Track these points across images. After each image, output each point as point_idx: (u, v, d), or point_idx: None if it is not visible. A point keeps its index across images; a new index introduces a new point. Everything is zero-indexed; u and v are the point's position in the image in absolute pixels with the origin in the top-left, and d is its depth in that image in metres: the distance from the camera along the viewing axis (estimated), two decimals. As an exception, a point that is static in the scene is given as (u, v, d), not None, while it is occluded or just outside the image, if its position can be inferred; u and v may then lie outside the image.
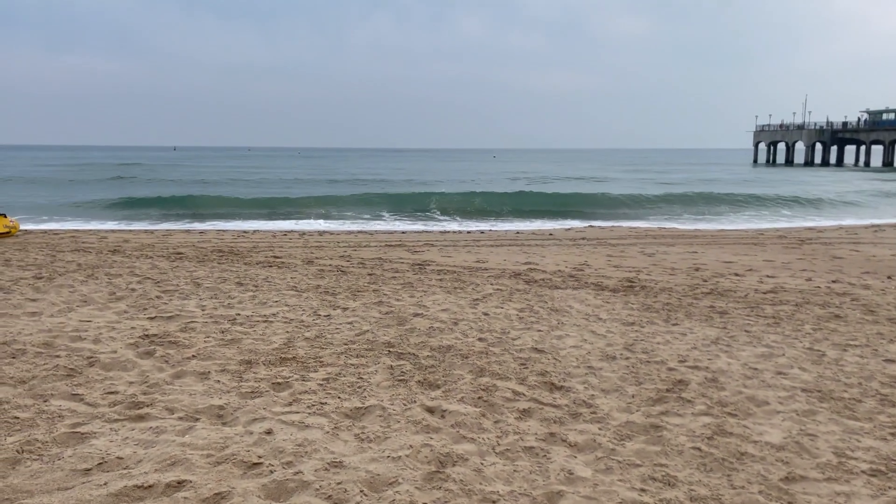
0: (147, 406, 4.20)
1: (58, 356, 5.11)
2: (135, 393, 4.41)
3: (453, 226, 18.50)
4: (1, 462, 3.40)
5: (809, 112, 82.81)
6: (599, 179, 45.98)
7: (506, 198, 24.73)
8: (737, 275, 9.69)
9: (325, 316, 6.68)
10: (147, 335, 5.76)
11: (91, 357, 5.09)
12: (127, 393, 4.41)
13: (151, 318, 6.41)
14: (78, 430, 3.81)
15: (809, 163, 76.07)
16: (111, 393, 4.41)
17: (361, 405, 4.30)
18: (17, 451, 3.51)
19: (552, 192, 27.99)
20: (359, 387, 4.64)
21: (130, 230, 15.83)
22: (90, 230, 15.60)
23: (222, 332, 5.98)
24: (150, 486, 3.17)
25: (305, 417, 4.08)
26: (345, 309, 7.01)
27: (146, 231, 15.53)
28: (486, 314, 6.88)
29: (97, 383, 4.59)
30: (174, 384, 4.63)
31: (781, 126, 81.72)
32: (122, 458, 3.46)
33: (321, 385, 4.65)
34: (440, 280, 8.90)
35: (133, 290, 7.78)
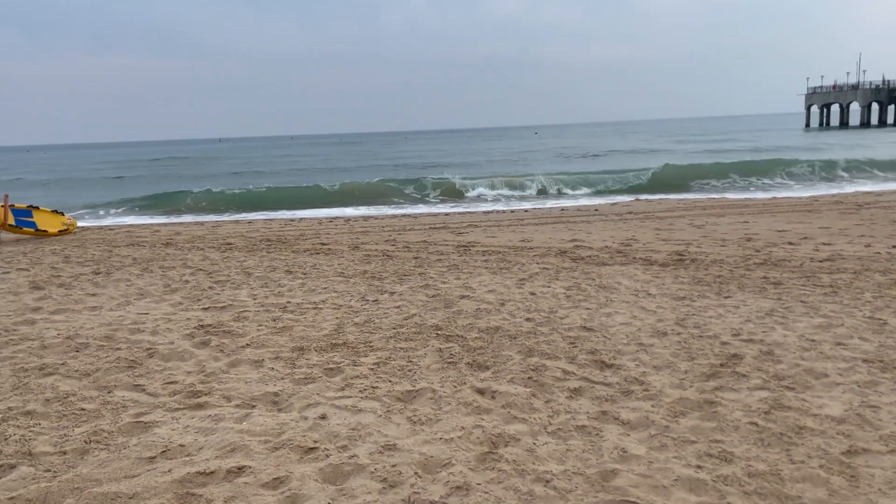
0: (205, 395, 4.32)
1: (119, 349, 5.29)
2: (193, 382, 4.54)
3: (498, 205, 18.43)
4: (70, 452, 3.55)
5: (864, 71, 79.76)
6: (655, 150, 45.12)
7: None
8: (791, 244, 9.43)
9: (372, 301, 6.75)
10: (202, 325, 5.91)
11: (150, 349, 5.26)
12: (185, 382, 4.55)
13: (205, 309, 6.58)
14: (141, 419, 3.95)
15: (865, 124, 73.35)
16: (171, 383, 4.55)
17: (412, 388, 4.34)
18: (85, 442, 3.66)
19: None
20: (409, 370, 4.69)
21: (181, 223, 16.21)
22: (143, 224, 16.03)
23: (274, 320, 6.10)
24: (211, 473, 3.27)
25: (358, 402, 4.15)
26: (392, 293, 7.07)
27: (196, 223, 15.88)
28: (532, 294, 6.85)
29: (157, 374, 4.74)
30: (230, 372, 4.75)
31: (835, 87, 78.88)
32: (183, 446, 3.57)
33: (372, 369, 4.71)
34: (485, 261, 8.89)
35: (187, 281, 7.99)
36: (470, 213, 16.52)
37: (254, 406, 4.14)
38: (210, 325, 5.94)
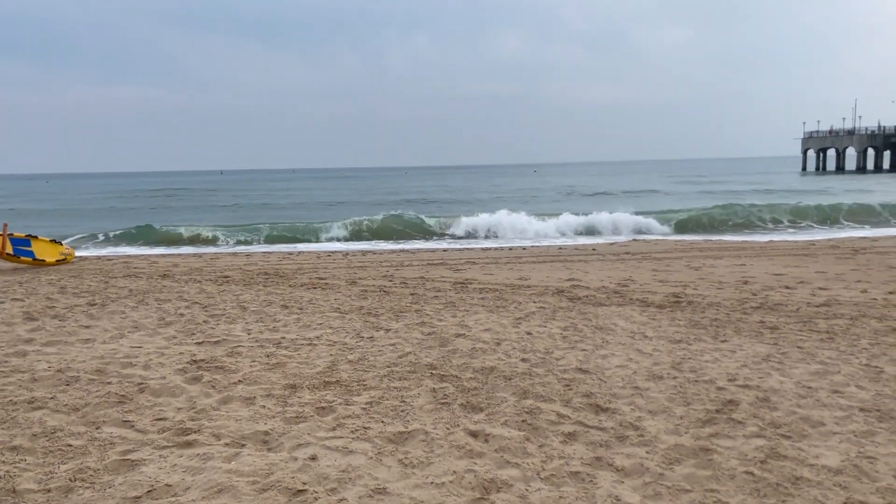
0: (195, 432, 4.26)
1: (110, 383, 5.24)
2: (183, 419, 4.49)
3: (496, 243, 18.46)
4: (55, 490, 3.49)
5: (860, 116, 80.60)
6: (664, 192, 45.38)
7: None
8: (787, 288, 9.42)
9: (367, 338, 6.71)
10: (195, 360, 5.86)
11: (141, 383, 5.20)
12: (175, 419, 4.49)
13: (199, 343, 6.53)
14: (128, 457, 3.89)
15: (861, 169, 74.01)
16: (160, 419, 4.49)
17: (405, 429, 4.29)
18: (70, 480, 3.60)
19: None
20: (402, 410, 4.64)
21: (179, 254, 16.21)
22: (141, 255, 16.03)
23: (268, 356, 6.05)
24: (197, 514, 3.21)
25: (349, 443, 4.09)
26: (387, 330, 7.03)
27: (195, 255, 15.87)
28: (529, 333, 6.82)
29: (147, 410, 4.69)
30: (221, 410, 4.69)
31: (831, 132, 79.76)
32: (170, 486, 3.51)
33: (364, 409, 4.66)
34: (482, 299, 8.87)
35: (182, 315, 7.95)
36: (468, 249, 16.54)
37: (243, 445, 4.08)
38: (203, 360, 5.89)
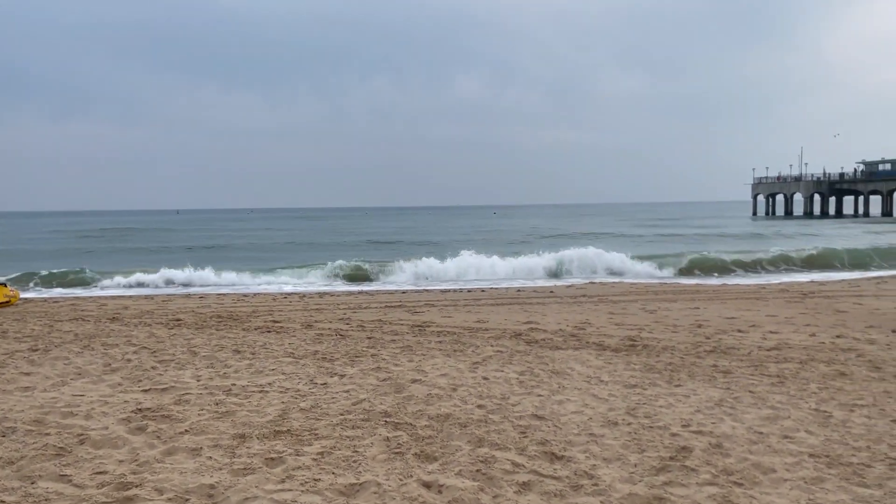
0: (136, 487, 4.08)
1: (48, 434, 5.01)
2: (124, 472, 4.30)
3: (455, 284, 18.45)
4: (-19, 552, 3.29)
5: (806, 164, 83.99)
6: (625, 235, 45.91)
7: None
8: (740, 331, 9.59)
9: (321, 384, 6.58)
10: (140, 409, 5.66)
11: (82, 434, 4.99)
12: (116, 473, 4.30)
13: (146, 391, 6.32)
14: (63, 514, 3.70)
15: (809, 213, 76.60)
16: (100, 473, 4.30)
17: (356, 481, 4.18)
18: (-1, 540, 3.40)
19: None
20: (354, 461, 4.53)
21: (130, 296, 15.80)
22: (90, 297, 15.58)
23: (217, 403, 5.88)
24: (133, 577, 3.05)
25: (298, 496, 3.97)
26: (342, 376, 6.91)
27: (146, 297, 15.49)
28: (485, 378, 6.78)
29: (86, 462, 4.49)
30: (165, 462, 4.52)
31: (779, 178, 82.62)
32: (106, 546, 3.34)
33: (315, 460, 4.54)
34: (440, 342, 8.81)
35: (129, 360, 7.70)
36: (427, 290, 16.49)
37: (187, 500, 3.92)
38: (149, 408, 5.69)
